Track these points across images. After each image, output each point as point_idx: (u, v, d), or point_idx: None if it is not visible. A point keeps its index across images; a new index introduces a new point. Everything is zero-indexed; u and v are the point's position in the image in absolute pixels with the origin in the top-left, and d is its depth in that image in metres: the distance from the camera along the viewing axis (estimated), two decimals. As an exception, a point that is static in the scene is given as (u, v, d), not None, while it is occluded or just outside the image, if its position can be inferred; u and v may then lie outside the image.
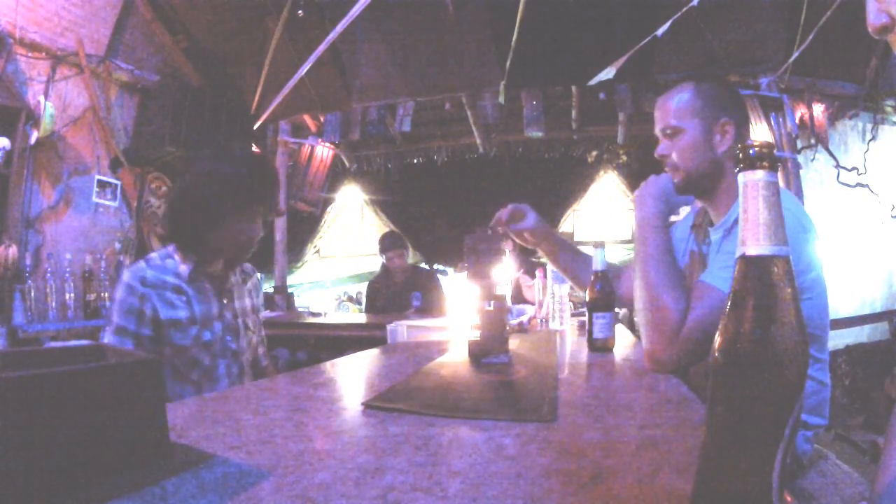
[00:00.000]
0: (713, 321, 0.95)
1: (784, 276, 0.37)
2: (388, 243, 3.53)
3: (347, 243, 5.59)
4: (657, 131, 1.18)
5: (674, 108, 1.15)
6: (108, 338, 1.24)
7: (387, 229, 5.16)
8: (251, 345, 1.45)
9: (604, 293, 1.29)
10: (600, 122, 4.18)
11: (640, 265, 1.06)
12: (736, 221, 1.07)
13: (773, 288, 0.37)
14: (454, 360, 1.19)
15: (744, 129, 1.16)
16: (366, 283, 4.21)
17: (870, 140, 3.77)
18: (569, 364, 1.18)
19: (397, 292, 3.46)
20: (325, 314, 3.57)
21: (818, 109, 3.49)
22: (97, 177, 3.41)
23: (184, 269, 1.30)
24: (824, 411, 1.10)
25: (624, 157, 4.76)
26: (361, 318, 3.27)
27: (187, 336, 1.27)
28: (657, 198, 1.11)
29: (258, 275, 1.59)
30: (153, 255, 1.35)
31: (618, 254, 4.66)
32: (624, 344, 1.46)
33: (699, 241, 1.26)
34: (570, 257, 1.53)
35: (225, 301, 1.37)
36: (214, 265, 1.37)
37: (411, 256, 5.51)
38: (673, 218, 1.22)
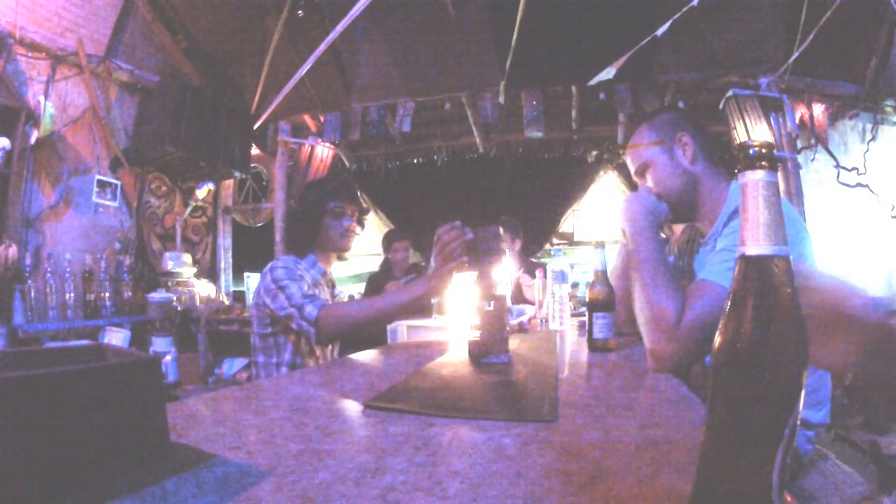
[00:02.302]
0: (713, 316, 0.96)
1: (784, 276, 0.37)
2: (393, 236, 3.65)
3: (347, 243, 5.59)
4: (634, 177, 1.32)
5: (637, 149, 1.28)
6: (292, 288, 1.52)
7: (387, 229, 5.16)
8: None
9: (604, 293, 1.29)
10: (600, 123, 4.18)
11: (635, 270, 1.08)
12: (725, 225, 1.10)
13: (774, 288, 0.37)
14: (454, 360, 1.19)
15: (701, 136, 1.26)
16: (365, 284, 4.21)
17: (870, 140, 3.77)
18: (569, 364, 1.18)
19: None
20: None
21: (818, 109, 3.49)
22: (97, 177, 3.41)
23: (314, 272, 1.69)
24: (826, 409, 1.11)
25: (624, 158, 4.76)
26: None
27: None
28: (646, 213, 1.15)
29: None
30: (287, 257, 1.70)
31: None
32: (624, 344, 1.46)
33: (688, 259, 1.31)
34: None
35: (333, 297, 1.83)
36: (329, 272, 1.79)
37: (411, 256, 5.52)
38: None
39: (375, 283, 3.66)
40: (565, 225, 5.07)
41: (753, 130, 3.22)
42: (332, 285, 1.86)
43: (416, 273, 3.62)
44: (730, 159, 1.42)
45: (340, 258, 1.80)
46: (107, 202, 3.49)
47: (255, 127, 3.92)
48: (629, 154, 1.32)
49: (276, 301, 1.53)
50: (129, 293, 3.45)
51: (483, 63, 3.51)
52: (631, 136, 1.32)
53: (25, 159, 2.90)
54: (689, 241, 1.35)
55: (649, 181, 1.26)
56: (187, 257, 3.88)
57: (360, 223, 1.79)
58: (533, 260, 3.82)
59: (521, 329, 1.80)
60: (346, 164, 4.78)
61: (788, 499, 0.37)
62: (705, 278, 1.01)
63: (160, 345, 3.00)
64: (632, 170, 1.32)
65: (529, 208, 4.95)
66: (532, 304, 2.42)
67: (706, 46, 3.26)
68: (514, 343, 1.37)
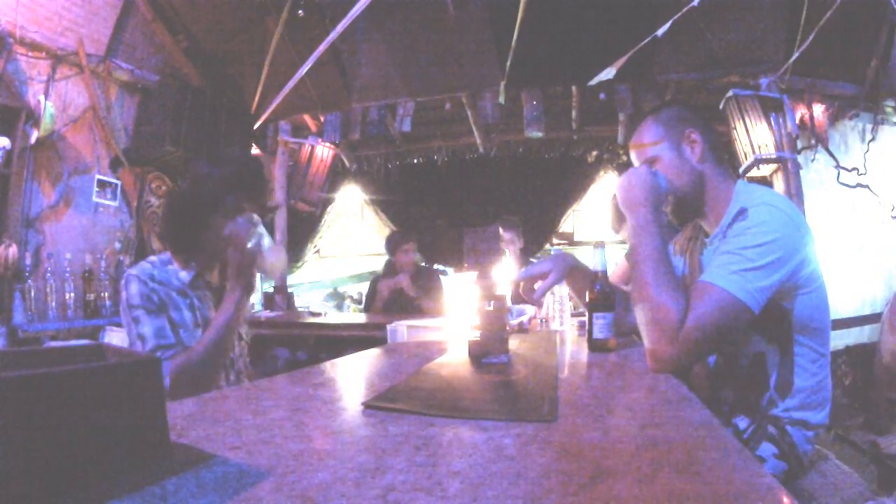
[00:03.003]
0: (714, 319, 0.95)
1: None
2: (399, 238, 3.56)
3: (347, 243, 5.59)
4: None
5: (642, 143, 1.23)
6: (144, 326, 1.24)
7: (387, 229, 5.16)
8: (244, 353, 1.49)
9: (604, 293, 1.29)
10: (600, 123, 4.18)
11: (637, 268, 1.06)
12: (730, 224, 1.09)
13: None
14: (454, 360, 1.19)
15: (710, 134, 1.22)
16: (366, 283, 4.20)
17: (870, 140, 3.77)
18: (569, 364, 1.18)
19: (401, 290, 3.45)
20: (326, 314, 3.56)
21: (818, 110, 3.49)
22: (97, 177, 3.41)
23: (184, 275, 1.34)
24: (826, 410, 1.10)
25: (624, 158, 4.76)
26: (361, 318, 3.26)
27: (193, 338, 1.29)
28: (646, 203, 1.12)
29: None
30: (152, 258, 1.37)
31: (618, 254, 4.66)
32: (624, 344, 1.46)
33: (692, 258, 1.29)
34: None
35: None
36: (212, 275, 1.40)
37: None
38: None
39: (378, 287, 3.63)
40: (565, 225, 5.06)
41: (753, 130, 3.22)
42: (218, 283, 1.42)
43: (420, 272, 3.60)
44: (730, 159, 1.41)
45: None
46: (107, 202, 3.49)
47: (255, 127, 3.92)
48: (633, 148, 1.27)
49: (131, 333, 1.26)
50: (129, 293, 3.45)
51: (483, 63, 3.51)
52: (636, 129, 1.26)
53: (25, 159, 2.90)
54: (693, 238, 1.33)
55: None
56: (187, 257, 3.88)
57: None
58: (532, 260, 3.81)
59: (521, 329, 1.80)
60: (347, 163, 4.78)
61: (787, 500, 0.37)
62: (708, 280, 0.99)
63: (160, 345, 3.00)
64: (636, 163, 1.27)
65: (529, 208, 4.94)
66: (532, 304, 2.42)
67: (706, 46, 3.26)
68: (514, 343, 1.37)
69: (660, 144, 1.20)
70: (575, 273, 1.44)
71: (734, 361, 1.14)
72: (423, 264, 3.71)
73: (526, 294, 1.40)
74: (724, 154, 1.24)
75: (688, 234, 1.35)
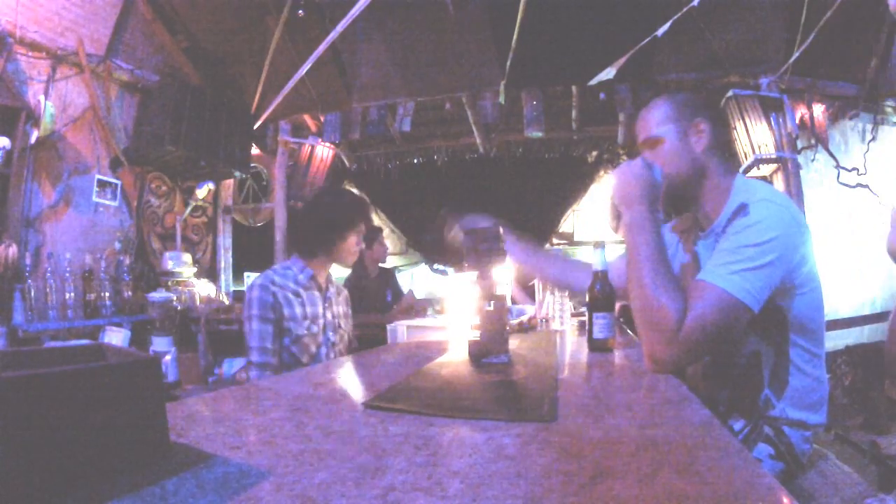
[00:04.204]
0: (714, 320, 0.95)
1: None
2: (371, 233, 3.31)
3: (347, 243, 5.59)
4: (640, 146, 1.24)
5: (650, 121, 1.21)
6: (253, 324, 1.62)
7: (386, 229, 5.16)
8: (343, 339, 1.87)
9: (604, 293, 1.29)
10: (600, 123, 4.18)
11: (634, 267, 1.04)
12: (729, 220, 1.07)
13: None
14: (454, 360, 1.19)
15: (719, 126, 1.19)
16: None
17: (870, 140, 3.77)
18: (569, 364, 1.18)
19: (373, 290, 3.40)
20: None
21: (818, 110, 3.49)
22: (97, 176, 3.41)
23: (302, 277, 1.74)
24: (823, 409, 1.10)
25: (624, 158, 4.76)
26: (361, 318, 3.24)
27: (301, 326, 1.68)
28: (642, 200, 1.09)
29: (345, 289, 2.03)
30: (276, 266, 1.80)
31: (618, 254, 4.66)
32: (624, 344, 1.46)
33: (688, 248, 1.27)
34: (557, 269, 1.59)
35: (326, 305, 1.80)
36: (323, 276, 1.81)
37: (411, 256, 5.52)
38: None
39: (352, 287, 3.27)
40: (565, 225, 5.07)
41: (753, 130, 3.22)
42: (324, 287, 1.82)
43: (385, 271, 3.53)
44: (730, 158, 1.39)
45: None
46: (107, 202, 3.49)
47: (255, 127, 3.92)
48: (640, 120, 1.23)
49: (244, 330, 1.66)
50: (129, 293, 3.45)
51: (483, 63, 3.51)
52: (647, 105, 1.23)
53: (25, 159, 2.90)
54: (686, 231, 1.31)
55: (654, 158, 1.18)
56: (187, 257, 3.88)
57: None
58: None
59: (521, 329, 1.80)
60: (347, 164, 4.78)
61: (787, 500, 0.37)
62: (707, 280, 0.98)
63: (160, 345, 3.00)
64: (639, 140, 1.24)
65: (529, 208, 4.94)
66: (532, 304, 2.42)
67: (706, 46, 3.26)
68: (514, 343, 1.37)
69: (666, 126, 1.18)
70: (525, 261, 1.51)
71: (730, 361, 1.14)
72: (382, 265, 3.61)
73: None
74: (729, 149, 1.22)
75: (681, 227, 1.33)
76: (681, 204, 1.23)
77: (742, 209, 1.04)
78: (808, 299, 1.06)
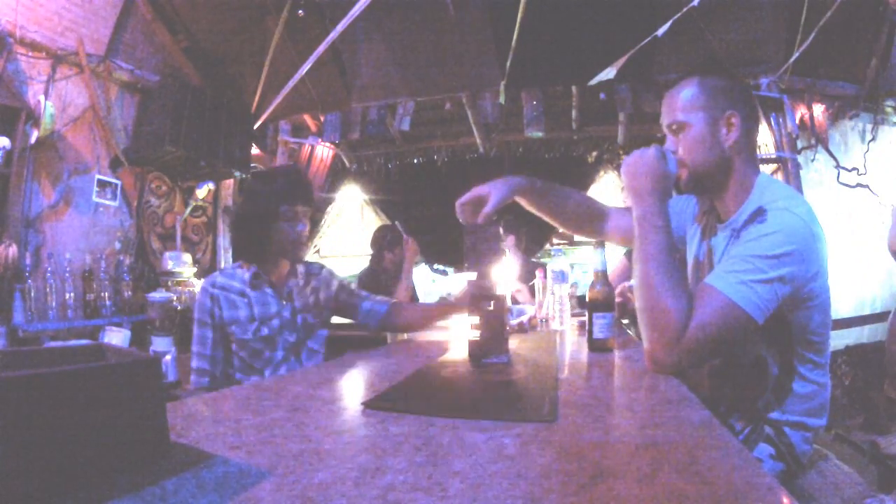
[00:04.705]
0: (717, 327, 0.93)
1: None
2: (392, 238, 3.36)
3: (347, 243, 5.59)
4: (664, 127, 1.16)
5: (679, 102, 1.12)
6: (194, 328, 1.52)
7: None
8: (314, 334, 1.64)
9: (604, 293, 1.29)
10: (600, 123, 4.18)
11: (640, 265, 1.02)
12: (746, 222, 1.04)
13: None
14: (454, 360, 1.19)
15: (751, 122, 1.13)
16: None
17: (870, 140, 3.77)
18: (569, 364, 1.18)
19: (390, 287, 3.38)
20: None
21: (818, 110, 3.49)
22: (97, 176, 3.41)
23: (247, 276, 1.55)
24: (824, 413, 1.10)
25: (624, 158, 4.77)
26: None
27: (247, 331, 1.51)
28: (653, 193, 1.05)
29: (327, 269, 1.76)
30: (228, 265, 1.70)
31: (618, 254, 4.66)
32: (624, 344, 1.47)
33: (706, 236, 1.24)
34: (552, 201, 1.45)
35: (284, 302, 1.58)
36: (278, 271, 1.60)
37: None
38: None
39: (370, 284, 3.25)
40: (565, 225, 5.06)
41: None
42: (279, 283, 1.61)
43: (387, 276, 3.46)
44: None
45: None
46: (107, 202, 3.49)
47: (255, 127, 3.92)
48: (666, 102, 1.15)
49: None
50: (129, 293, 3.45)
51: (483, 63, 3.51)
52: (678, 83, 1.14)
53: (25, 159, 2.90)
54: (705, 215, 1.25)
55: (678, 142, 1.12)
56: (187, 257, 3.88)
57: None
58: (533, 260, 3.82)
59: (521, 329, 1.80)
60: (346, 163, 4.78)
61: (787, 500, 0.37)
62: (714, 286, 0.96)
63: (160, 345, 3.00)
64: (663, 120, 1.15)
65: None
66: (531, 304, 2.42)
67: (706, 46, 3.26)
68: (514, 343, 1.37)
69: (695, 113, 1.10)
70: (529, 193, 1.33)
71: (733, 361, 1.14)
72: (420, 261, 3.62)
73: (467, 219, 1.25)
74: (757, 145, 1.17)
75: (703, 211, 1.29)
76: (699, 191, 1.19)
77: (760, 214, 1.01)
78: (816, 311, 1.04)
